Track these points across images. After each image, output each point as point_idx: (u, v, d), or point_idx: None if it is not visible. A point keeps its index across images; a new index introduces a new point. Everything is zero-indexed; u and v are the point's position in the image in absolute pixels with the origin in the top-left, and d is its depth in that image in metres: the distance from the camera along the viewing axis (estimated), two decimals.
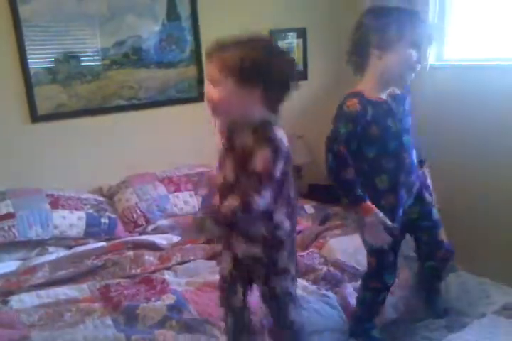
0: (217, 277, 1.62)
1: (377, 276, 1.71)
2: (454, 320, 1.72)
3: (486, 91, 2.41)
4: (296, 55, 3.16)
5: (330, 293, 1.93)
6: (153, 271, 2.06)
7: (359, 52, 1.56)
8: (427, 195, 1.74)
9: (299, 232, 2.46)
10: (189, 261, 2.15)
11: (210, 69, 1.31)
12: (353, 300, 1.88)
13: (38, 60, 2.50)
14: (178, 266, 2.12)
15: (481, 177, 2.52)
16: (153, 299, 1.80)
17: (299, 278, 1.99)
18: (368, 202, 1.53)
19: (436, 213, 1.75)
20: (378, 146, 1.55)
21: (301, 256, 2.18)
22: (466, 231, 2.50)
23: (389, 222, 1.54)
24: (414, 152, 1.63)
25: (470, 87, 2.49)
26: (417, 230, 1.75)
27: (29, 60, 2.47)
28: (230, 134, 1.41)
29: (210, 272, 2.02)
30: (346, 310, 1.85)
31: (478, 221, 2.54)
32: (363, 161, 1.57)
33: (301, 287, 1.93)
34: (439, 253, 1.76)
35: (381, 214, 1.52)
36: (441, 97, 2.67)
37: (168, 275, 2.03)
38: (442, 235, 1.76)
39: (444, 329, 1.64)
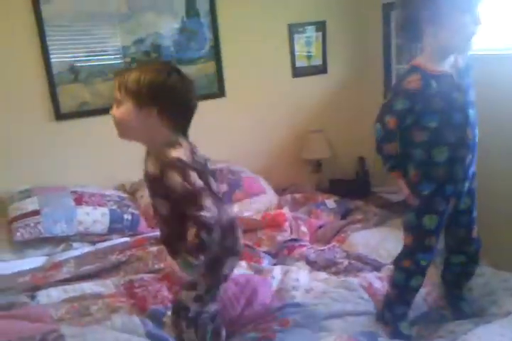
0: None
1: (410, 255, 1.65)
2: (479, 316, 1.68)
3: (500, 81, 2.31)
4: (315, 49, 3.14)
5: (350, 278, 1.92)
6: None
7: (412, 29, 1.50)
8: (475, 189, 1.69)
9: (321, 227, 2.47)
10: None
11: (115, 90, 1.35)
12: (377, 283, 1.86)
13: (60, 60, 2.55)
14: None
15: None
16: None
17: (318, 270, 2.01)
18: (398, 172, 1.63)
19: (476, 209, 1.71)
20: (442, 117, 1.49)
21: (322, 250, 2.20)
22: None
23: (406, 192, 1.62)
24: (477, 130, 1.57)
25: (484, 76, 2.39)
26: (455, 223, 1.69)
27: (52, 60, 2.52)
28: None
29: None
30: (369, 291, 1.83)
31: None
32: (423, 131, 1.51)
33: (323, 279, 1.94)
34: (470, 249, 1.73)
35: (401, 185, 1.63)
36: None
37: None
38: (475, 232, 1.72)
39: (469, 324, 1.61)
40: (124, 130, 1.38)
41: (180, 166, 1.28)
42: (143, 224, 2.47)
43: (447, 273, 1.81)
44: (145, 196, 2.57)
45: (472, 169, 1.62)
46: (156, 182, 1.34)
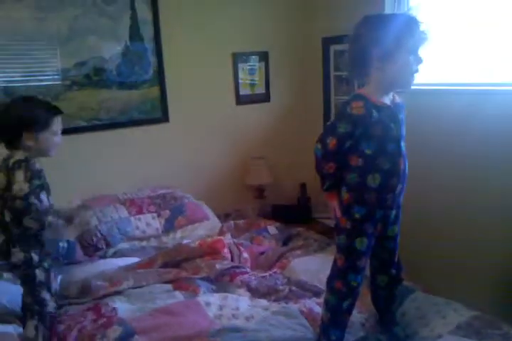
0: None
1: (342, 276, 1.69)
2: (412, 340, 1.73)
3: (442, 115, 2.47)
4: (259, 78, 3.22)
5: (290, 305, 1.94)
6: (104, 296, 2.00)
7: (360, 64, 1.59)
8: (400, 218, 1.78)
9: (262, 253, 2.48)
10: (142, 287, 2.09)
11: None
12: (316, 308, 1.88)
13: None
14: (132, 291, 2.06)
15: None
16: (99, 336, 1.74)
17: (259, 298, 2.02)
18: (332, 193, 1.70)
19: (399, 236, 1.79)
20: (378, 145, 1.58)
21: (263, 276, 2.20)
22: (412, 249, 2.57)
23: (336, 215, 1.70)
24: (407, 162, 1.67)
25: (429, 110, 2.54)
26: (380, 247, 1.76)
27: None
28: None
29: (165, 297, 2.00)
30: (309, 317, 1.85)
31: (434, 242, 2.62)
32: (360, 157, 1.59)
33: (263, 307, 1.94)
34: (392, 271, 1.81)
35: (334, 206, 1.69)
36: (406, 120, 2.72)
37: (119, 302, 1.96)
38: (397, 257, 1.81)
39: None
40: None
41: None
42: (79, 252, 2.37)
43: (376, 299, 1.87)
44: (82, 222, 2.49)
45: (401, 198, 1.71)
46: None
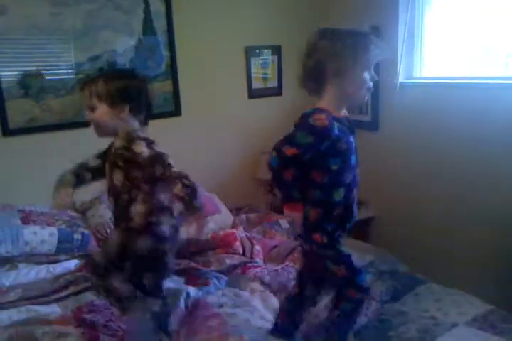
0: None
1: (351, 285, 1.65)
2: (427, 327, 1.73)
3: (454, 109, 2.49)
4: (271, 72, 3.21)
5: None
6: None
7: (315, 78, 1.57)
8: None
9: (275, 247, 2.49)
10: None
11: (85, 98, 1.62)
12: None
13: (10, 74, 2.47)
14: None
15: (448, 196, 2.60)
16: None
17: (271, 292, 2.02)
18: (297, 204, 1.58)
19: None
20: (343, 160, 1.55)
21: (276, 270, 2.20)
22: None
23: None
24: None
25: (439, 105, 2.57)
26: None
27: (1, 74, 2.44)
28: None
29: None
30: None
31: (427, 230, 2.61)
32: (325, 173, 1.56)
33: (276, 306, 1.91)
34: None
35: (296, 219, 1.61)
36: (409, 115, 2.75)
37: None
38: None
39: (417, 339, 1.66)
40: (103, 128, 1.65)
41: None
42: (93, 244, 2.39)
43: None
44: (96, 215, 2.52)
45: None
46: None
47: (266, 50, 3.16)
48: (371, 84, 1.56)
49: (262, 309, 1.91)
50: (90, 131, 2.64)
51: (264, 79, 3.21)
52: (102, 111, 1.60)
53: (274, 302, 1.96)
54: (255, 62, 3.15)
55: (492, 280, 2.35)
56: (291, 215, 1.62)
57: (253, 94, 3.18)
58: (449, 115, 2.52)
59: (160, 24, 2.82)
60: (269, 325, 1.77)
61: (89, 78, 1.68)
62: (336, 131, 1.52)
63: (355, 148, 1.60)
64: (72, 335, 1.67)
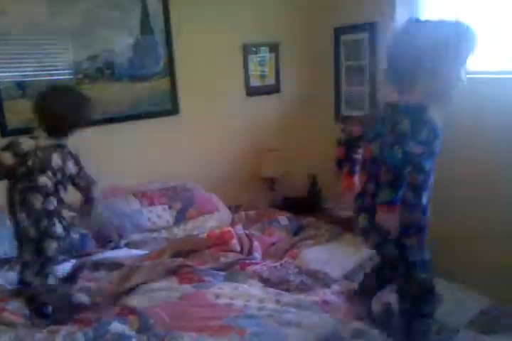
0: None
1: (425, 246, 1.64)
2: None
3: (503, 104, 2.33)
4: (269, 69, 3.21)
5: (302, 296, 1.93)
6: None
7: (407, 71, 1.48)
8: None
9: (274, 243, 2.50)
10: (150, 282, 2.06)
11: None
12: (328, 297, 1.89)
13: (7, 74, 2.48)
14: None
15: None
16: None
17: (271, 287, 2.03)
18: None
19: None
20: (433, 160, 1.53)
21: (275, 266, 2.20)
22: None
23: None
24: None
25: (488, 99, 2.38)
26: None
27: None
28: None
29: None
30: (322, 307, 1.84)
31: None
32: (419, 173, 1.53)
33: (275, 297, 1.93)
34: None
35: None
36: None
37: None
38: None
39: None
40: None
41: None
42: (92, 244, 2.41)
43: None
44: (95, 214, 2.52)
45: None
46: None
47: (263, 48, 3.16)
48: (464, 80, 1.47)
49: (260, 295, 1.92)
50: (87, 131, 2.69)
51: (262, 76, 3.21)
52: None
53: (273, 291, 1.98)
54: (253, 60, 3.14)
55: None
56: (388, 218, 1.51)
57: (251, 91, 3.18)
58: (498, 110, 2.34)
59: (157, 23, 2.82)
60: (267, 312, 1.78)
61: None
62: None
63: None
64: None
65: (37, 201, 1.81)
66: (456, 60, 1.44)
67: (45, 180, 1.82)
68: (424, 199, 1.58)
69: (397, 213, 1.49)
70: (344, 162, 1.80)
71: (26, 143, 1.85)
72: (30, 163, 1.81)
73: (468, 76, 1.51)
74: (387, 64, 1.55)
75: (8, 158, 1.83)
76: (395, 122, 1.48)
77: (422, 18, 1.57)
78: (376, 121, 1.61)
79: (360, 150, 1.78)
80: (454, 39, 1.42)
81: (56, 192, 1.86)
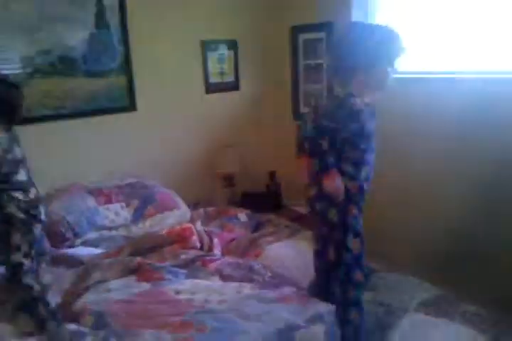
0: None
1: (358, 264, 1.77)
2: (382, 316, 1.80)
3: (431, 103, 2.46)
4: (227, 66, 3.21)
5: (264, 291, 1.92)
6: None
7: (346, 75, 1.69)
8: None
9: (233, 240, 2.50)
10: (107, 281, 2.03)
11: None
12: (292, 296, 1.90)
13: None
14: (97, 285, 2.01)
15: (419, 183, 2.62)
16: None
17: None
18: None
19: None
20: (368, 141, 1.73)
21: (237, 263, 2.18)
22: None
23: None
24: None
25: (416, 99, 2.53)
26: None
27: None
28: None
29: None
30: (283, 302, 1.84)
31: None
32: (355, 151, 1.73)
33: (235, 291, 1.93)
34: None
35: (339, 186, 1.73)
36: (387, 110, 2.72)
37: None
38: None
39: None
40: None
41: None
42: (46, 244, 2.34)
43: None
44: (50, 213, 2.45)
45: None
46: None
47: (222, 45, 3.16)
48: (391, 78, 1.70)
49: (220, 289, 1.93)
50: (39, 127, 2.61)
51: (221, 73, 3.21)
52: None
53: (235, 284, 1.99)
54: (212, 57, 3.14)
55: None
56: (331, 184, 1.70)
57: (210, 88, 3.17)
58: (426, 110, 2.49)
59: (113, 18, 2.76)
60: (227, 306, 1.79)
61: None
62: (366, 115, 1.68)
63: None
64: None
65: None
66: (381, 62, 1.67)
67: None
68: (363, 174, 1.76)
69: (336, 178, 1.70)
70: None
71: None
72: None
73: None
74: (329, 61, 1.81)
75: None
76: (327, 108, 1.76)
77: (371, 19, 1.77)
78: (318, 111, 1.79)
79: None
80: (386, 41, 1.67)
81: None
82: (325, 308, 1.76)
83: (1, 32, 2.45)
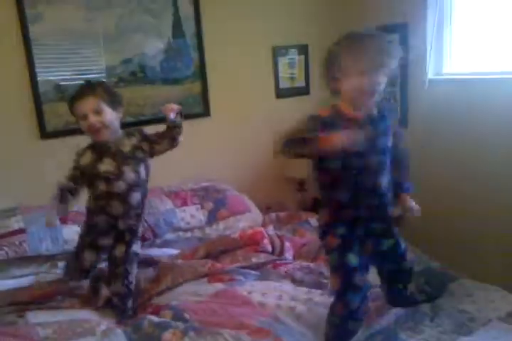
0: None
1: (340, 298, 1.64)
2: (461, 323, 1.72)
3: (485, 105, 2.44)
4: (298, 71, 3.23)
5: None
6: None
7: (330, 77, 1.66)
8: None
9: (304, 245, 2.51)
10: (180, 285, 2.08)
11: (89, 103, 1.82)
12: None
13: (47, 78, 2.56)
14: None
15: (474, 192, 2.57)
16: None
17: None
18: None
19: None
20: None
21: (307, 267, 2.20)
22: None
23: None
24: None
25: (469, 101, 2.53)
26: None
27: (38, 78, 2.53)
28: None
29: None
30: None
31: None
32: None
33: (306, 298, 1.91)
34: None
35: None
36: (439, 111, 2.72)
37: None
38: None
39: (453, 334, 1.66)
40: (111, 129, 1.87)
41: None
42: None
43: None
44: None
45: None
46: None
47: (293, 50, 3.18)
48: (372, 90, 1.58)
49: (291, 293, 1.93)
50: None
51: (292, 78, 3.23)
52: (109, 114, 1.83)
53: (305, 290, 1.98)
54: (282, 62, 3.17)
55: None
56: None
57: (280, 93, 3.20)
58: (481, 111, 2.47)
59: (189, 27, 2.87)
60: (299, 315, 1.79)
61: (88, 85, 1.89)
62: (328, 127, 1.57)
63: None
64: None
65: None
66: (351, 70, 1.57)
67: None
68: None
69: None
70: None
71: None
72: None
73: None
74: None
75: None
76: None
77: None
78: None
79: None
80: (350, 51, 1.62)
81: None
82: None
83: (85, 43, 2.63)
